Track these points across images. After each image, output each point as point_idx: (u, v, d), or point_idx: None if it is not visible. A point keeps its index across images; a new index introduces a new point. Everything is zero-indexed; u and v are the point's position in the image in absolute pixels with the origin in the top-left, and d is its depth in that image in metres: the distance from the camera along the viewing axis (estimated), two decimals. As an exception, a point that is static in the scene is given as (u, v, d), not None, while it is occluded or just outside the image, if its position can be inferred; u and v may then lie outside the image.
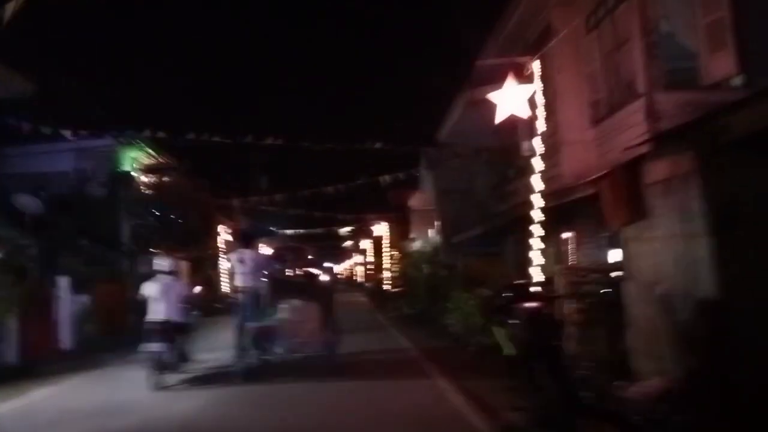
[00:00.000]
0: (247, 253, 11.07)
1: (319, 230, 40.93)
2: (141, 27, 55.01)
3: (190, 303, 11.14)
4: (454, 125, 17.60)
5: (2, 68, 12.90)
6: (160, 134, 14.26)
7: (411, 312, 19.07)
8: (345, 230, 67.55)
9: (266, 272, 11.16)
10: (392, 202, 30.90)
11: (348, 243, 67.67)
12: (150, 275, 10.47)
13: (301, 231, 42.45)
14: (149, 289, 10.02)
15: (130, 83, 44.27)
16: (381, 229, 30.03)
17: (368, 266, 41.73)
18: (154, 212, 20.80)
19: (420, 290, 18.44)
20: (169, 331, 9.49)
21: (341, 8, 73.09)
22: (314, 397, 8.35)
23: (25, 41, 16.53)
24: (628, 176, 7.39)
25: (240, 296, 10.43)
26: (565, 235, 12.51)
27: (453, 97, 16.86)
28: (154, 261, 11.00)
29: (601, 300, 8.06)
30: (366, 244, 44.28)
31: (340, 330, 10.83)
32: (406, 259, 28.32)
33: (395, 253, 30.63)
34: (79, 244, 16.18)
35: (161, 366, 9.31)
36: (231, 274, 13.61)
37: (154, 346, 9.31)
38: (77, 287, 14.75)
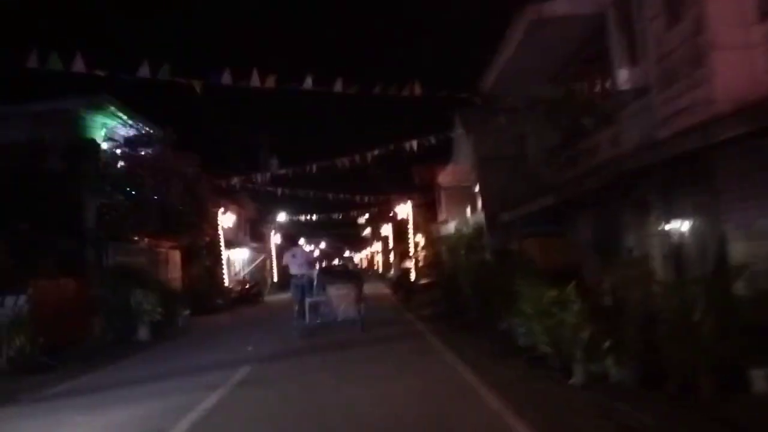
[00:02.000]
0: (297, 250, 16.37)
1: (335, 215, 36.96)
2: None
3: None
4: (506, 67, 13.37)
5: None
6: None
7: (450, 309, 15.03)
8: (363, 219, 63.85)
9: (314, 264, 16.19)
10: (418, 179, 26.71)
11: (367, 231, 63.96)
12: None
13: (316, 217, 38.52)
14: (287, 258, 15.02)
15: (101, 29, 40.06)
16: (405, 210, 25.91)
17: (390, 254, 37.70)
18: (128, 191, 16.92)
19: (461, 282, 14.39)
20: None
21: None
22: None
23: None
24: None
25: (297, 280, 14.34)
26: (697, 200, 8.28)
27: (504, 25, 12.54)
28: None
29: None
30: (387, 229, 40.22)
31: (367, 305, 14.43)
32: (436, 245, 24.22)
33: (422, 238, 26.49)
34: (16, 228, 12.33)
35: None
36: (284, 266, 16.63)
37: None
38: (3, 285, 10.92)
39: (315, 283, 14.13)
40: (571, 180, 12.16)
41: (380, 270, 51.56)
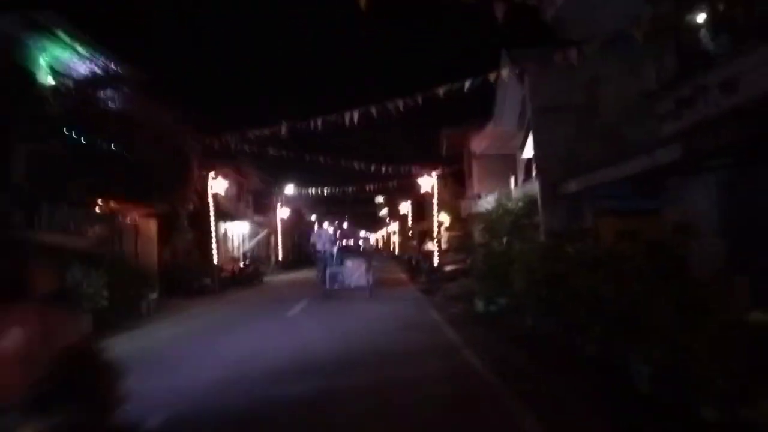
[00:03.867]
0: (322, 231, 23.33)
1: (349, 189, 32.98)
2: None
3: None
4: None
5: None
6: None
7: (493, 310, 11.05)
8: (380, 198, 59.85)
9: (334, 242, 20.17)
10: (446, 146, 22.60)
11: (383, 212, 59.99)
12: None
13: (329, 190, 34.58)
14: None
15: None
16: (428, 183, 21.83)
17: (408, 235, 33.74)
18: (75, 138, 13.08)
19: (510, 274, 10.38)
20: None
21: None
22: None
23: None
24: None
25: (321, 255, 18.97)
26: None
27: None
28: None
29: None
30: (406, 207, 36.21)
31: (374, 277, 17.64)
32: (466, 225, 20.20)
33: (447, 217, 22.43)
34: None
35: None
36: (313, 244, 20.31)
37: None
38: None
39: (335, 257, 17.98)
40: (693, 129, 8.03)
41: (397, 252, 47.72)
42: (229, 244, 28.36)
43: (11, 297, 3.34)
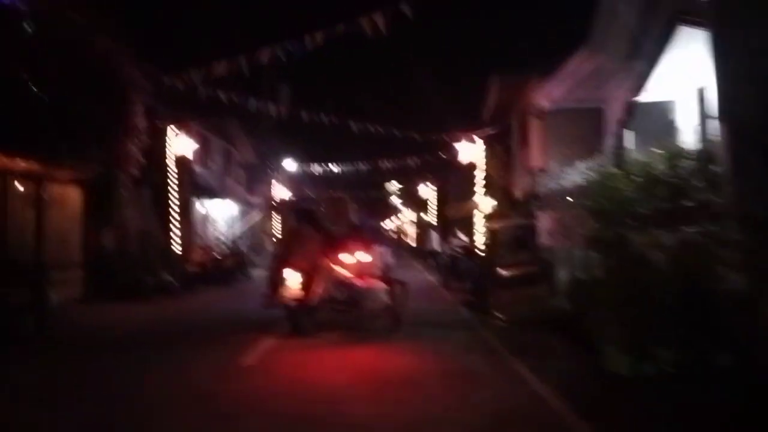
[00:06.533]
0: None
1: (359, 166, 27.23)
2: None
3: None
4: None
5: None
6: None
7: (650, 372, 5.38)
8: (393, 186, 53.78)
9: None
10: (494, 102, 16.73)
11: (393, 198, 54.09)
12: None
13: (335, 167, 28.82)
14: None
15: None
16: (471, 152, 15.87)
17: (430, 222, 27.91)
18: None
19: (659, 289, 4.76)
20: None
21: None
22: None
23: None
24: None
25: None
26: None
27: None
28: None
29: None
30: (427, 191, 30.37)
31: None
32: (527, 210, 14.40)
33: (490, 199, 16.53)
34: None
35: None
36: None
37: None
38: None
39: None
40: None
41: (414, 245, 41.92)
42: (210, 228, 22.71)
43: None
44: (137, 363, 7.06)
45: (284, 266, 8.77)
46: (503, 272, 12.27)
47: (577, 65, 11.79)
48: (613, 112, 12.32)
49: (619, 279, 6.50)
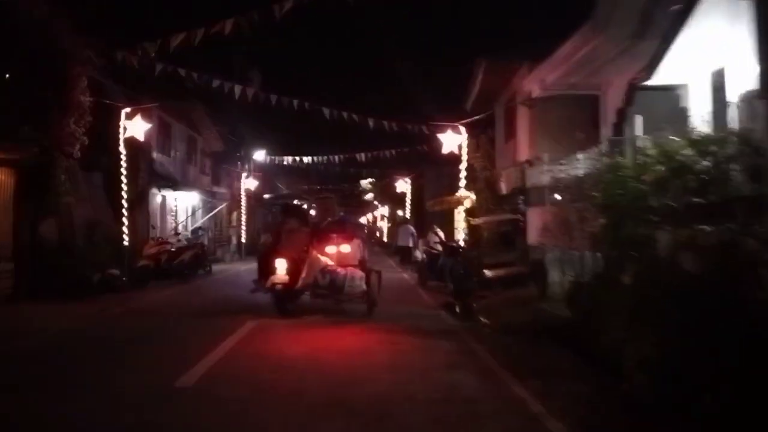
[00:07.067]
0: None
1: (331, 159, 25.81)
2: None
3: None
4: None
5: None
6: None
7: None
8: (366, 182, 52.51)
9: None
10: (478, 89, 15.53)
11: (370, 195, 52.80)
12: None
13: (308, 160, 27.32)
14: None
15: None
16: (453, 141, 14.59)
17: (404, 217, 26.69)
18: None
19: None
20: None
21: None
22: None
23: None
24: None
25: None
26: None
27: None
28: None
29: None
30: (404, 186, 29.13)
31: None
32: (509, 205, 13.32)
33: (471, 193, 15.31)
34: None
35: None
36: None
37: None
38: None
39: None
40: None
41: (385, 239, 40.79)
42: (170, 220, 21.16)
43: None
44: (53, 379, 5.69)
45: (274, 256, 9.92)
46: (488, 272, 11.09)
47: (575, 47, 10.64)
48: (612, 98, 11.27)
49: (643, 285, 5.36)
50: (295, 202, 23.76)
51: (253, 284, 10.59)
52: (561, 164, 9.95)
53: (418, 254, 17.04)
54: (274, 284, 9.67)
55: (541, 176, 11.45)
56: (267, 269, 9.96)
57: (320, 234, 10.76)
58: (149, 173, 17.99)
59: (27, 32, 10.44)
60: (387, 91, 38.44)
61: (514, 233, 12.22)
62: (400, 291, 13.83)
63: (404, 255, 21.01)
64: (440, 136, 14.16)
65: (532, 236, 11.40)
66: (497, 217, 13.18)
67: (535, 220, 11.36)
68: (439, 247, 14.57)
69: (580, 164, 9.02)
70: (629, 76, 9.90)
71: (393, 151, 22.42)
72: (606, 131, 11.05)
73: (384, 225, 47.24)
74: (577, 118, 12.26)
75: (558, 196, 9.64)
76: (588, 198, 7.68)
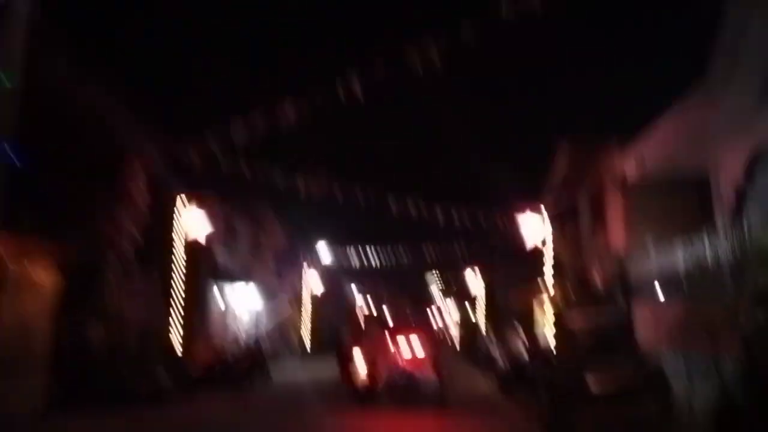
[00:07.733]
0: None
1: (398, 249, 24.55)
2: None
3: None
4: None
5: None
6: None
7: None
8: (433, 275, 50.48)
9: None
10: (564, 166, 14.12)
11: (436, 292, 50.63)
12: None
13: (371, 252, 26.20)
14: None
15: None
16: (534, 228, 12.73)
17: (476, 323, 24.56)
18: None
19: None
20: None
21: None
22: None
23: None
24: None
25: None
26: None
27: None
28: None
29: None
30: (475, 282, 27.26)
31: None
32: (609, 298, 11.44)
33: (556, 287, 13.45)
34: None
35: None
36: None
37: None
38: None
39: None
40: None
41: (458, 347, 37.98)
42: (232, 323, 20.09)
43: None
44: None
45: (356, 357, 11.86)
46: (593, 385, 9.11)
47: (681, 117, 9.17)
48: (727, 178, 9.57)
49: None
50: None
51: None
52: (673, 253, 8.23)
53: (499, 360, 14.98)
54: (355, 383, 11.68)
55: (647, 267, 9.68)
56: (349, 369, 12.01)
57: (396, 335, 12.00)
58: (211, 270, 17.22)
59: (84, 125, 9.97)
60: (456, 178, 37.48)
61: (617, 334, 10.25)
62: (479, 404, 11.89)
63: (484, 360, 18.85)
64: (520, 218, 12.72)
65: (644, 338, 9.47)
66: (595, 314, 11.26)
67: (645, 319, 9.47)
68: (524, 352, 12.64)
69: (699, 251, 7.31)
70: (744, 153, 8.27)
71: (462, 242, 21.03)
72: (721, 217, 9.25)
73: (454, 326, 44.55)
74: (679, 201, 10.57)
75: (673, 290, 7.87)
76: (721, 289, 5.96)
